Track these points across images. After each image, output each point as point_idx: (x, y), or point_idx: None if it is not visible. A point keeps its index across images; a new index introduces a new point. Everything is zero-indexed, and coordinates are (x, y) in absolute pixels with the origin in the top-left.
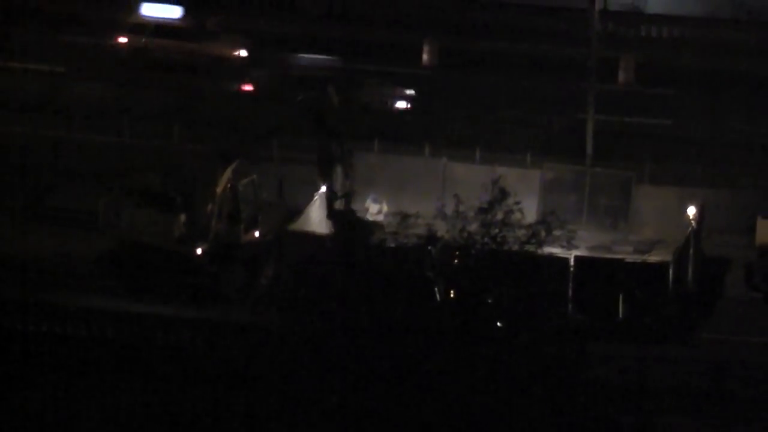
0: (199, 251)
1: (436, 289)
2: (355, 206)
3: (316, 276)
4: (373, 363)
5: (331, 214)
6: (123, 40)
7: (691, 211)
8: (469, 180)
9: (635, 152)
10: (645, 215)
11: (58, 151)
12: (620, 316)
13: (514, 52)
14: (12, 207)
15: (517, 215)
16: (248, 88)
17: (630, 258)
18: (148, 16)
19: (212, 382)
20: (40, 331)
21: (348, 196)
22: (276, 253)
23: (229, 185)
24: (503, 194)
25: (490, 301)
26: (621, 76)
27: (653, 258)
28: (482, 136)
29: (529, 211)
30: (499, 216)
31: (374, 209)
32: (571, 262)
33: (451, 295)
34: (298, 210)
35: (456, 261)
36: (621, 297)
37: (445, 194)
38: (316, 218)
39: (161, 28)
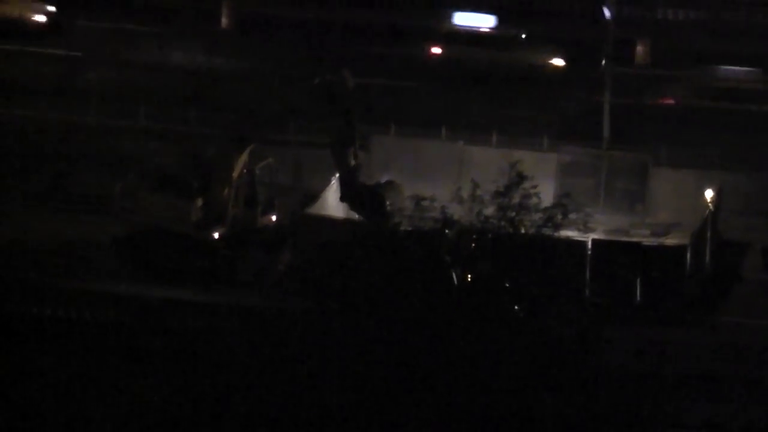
0: (215, 235)
1: (453, 273)
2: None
3: (332, 260)
4: (390, 347)
5: (345, 196)
6: (437, 50)
7: (709, 193)
8: (485, 163)
9: (652, 135)
10: (662, 198)
11: (72, 136)
12: (638, 299)
13: (530, 34)
14: (27, 192)
15: (534, 199)
16: (669, 102)
17: (647, 241)
18: (462, 26)
19: (228, 367)
20: (54, 315)
21: (359, 178)
22: (293, 238)
23: (245, 169)
24: (520, 178)
25: (507, 285)
26: (638, 58)
27: (670, 241)
28: (499, 119)
29: (546, 194)
30: (516, 200)
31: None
32: (589, 246)
33: (468, 279)
34: (315, 194)
35: (473, 245)
36: (638, 280)
37: (461, 178)
38: (333, 202)
39: (475, 37)
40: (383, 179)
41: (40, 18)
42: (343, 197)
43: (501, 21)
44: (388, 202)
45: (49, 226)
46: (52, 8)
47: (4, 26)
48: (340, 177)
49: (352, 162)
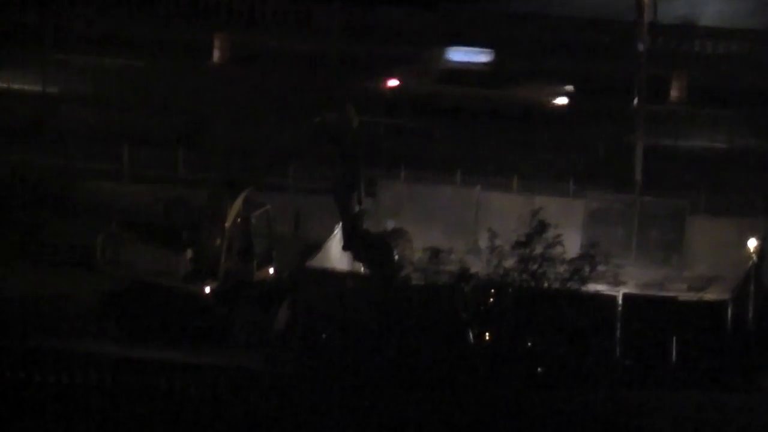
0: (207, 290)
1: (469, 331)
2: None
3: (337, 318)
4: (400, 416)
5: (348, 244)
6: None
7: (752, 243)
8: (505, 210)
9: (689, 179)
10: (700, 249)
11: (48, 180)
12: (674, 360)
13: (555, 69)
14: (1, 243)
15: (559, 249)
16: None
17: (684, 296)
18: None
19: None
20: (35, 379)
21: (364, 225)
22: (293, 293)
23: (239, 217)
24: (542, 226)
25: (529, 344)
26: (673, 95)
27: (710, 296)
28: (519, 161)
29: (572, 244)
30: (539, 250)
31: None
32: (619, 301)
33: (486, 339)
34: (316, 245)
35: (491, 300)
36: (675, 339)
37: (478, 226)
38: (336, 254)
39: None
40: (391, 227)
41: None
42: (346, 246)
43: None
44: (396, 252)
45: (23, 281)
46: None
47: None
48: (343, 224)
49: (356, 208)
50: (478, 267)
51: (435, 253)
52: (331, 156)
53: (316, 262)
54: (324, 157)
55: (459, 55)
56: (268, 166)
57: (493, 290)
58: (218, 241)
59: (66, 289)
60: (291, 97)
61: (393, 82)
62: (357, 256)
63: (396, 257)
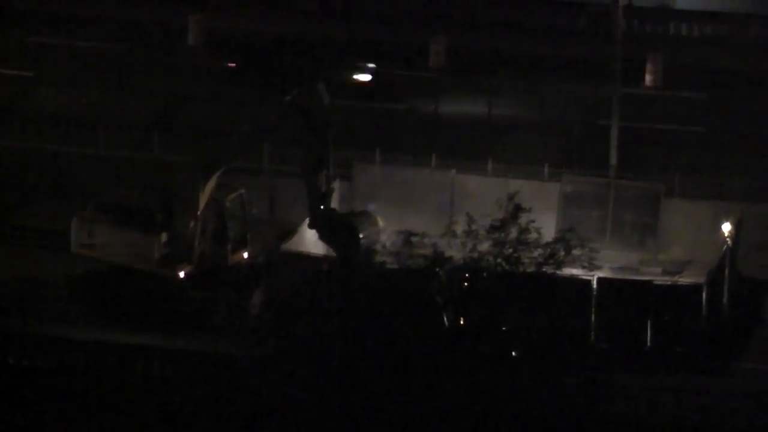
0: (181, 274)
1: (444, 315)
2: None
3: (311, 302)
4: (376, 398)
5: (313, 223)
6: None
7: (726, 227)
8: (480, 194)
9: (664, 162)
10: (675, 232)
11: (24, 163)
12: (649, 343)
13: (530, 53)
14: None
15: (534, 234)
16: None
17: (659, 280)
18: None
19: (196, 418)
20: (7, 363)
21: (330, 204)
22: (268, 276)
23: (213, 201)
24: (517, 210)
25: (504, 328)
26: (648, 79)
27: (685, 280)
28: (495, 144)
29: (547, 228)
30: (513, 234)
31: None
32: (594, 285)
33: (462, 322)
34: (292, 228)
35: (466, 284)
36: (649, 323)
37: (453, 210)
38: (311, 237)
39: None
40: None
41: None
42: (311, 224)
43: None
44: (362, 234)
45: None
46: None
47: None
48: (309, 202)
49: (324, 187)
50: (453, 251)
51: (409, 237)
52: (300, 133)
53: (291, 245)
54: (296, 136)
55: None
56: (241, 147)
57: (468, 274)
58: (192, 225)
59: (40, 272)
60: (264, 79)
61: None
62: (321, 235)
63: (361, 238)
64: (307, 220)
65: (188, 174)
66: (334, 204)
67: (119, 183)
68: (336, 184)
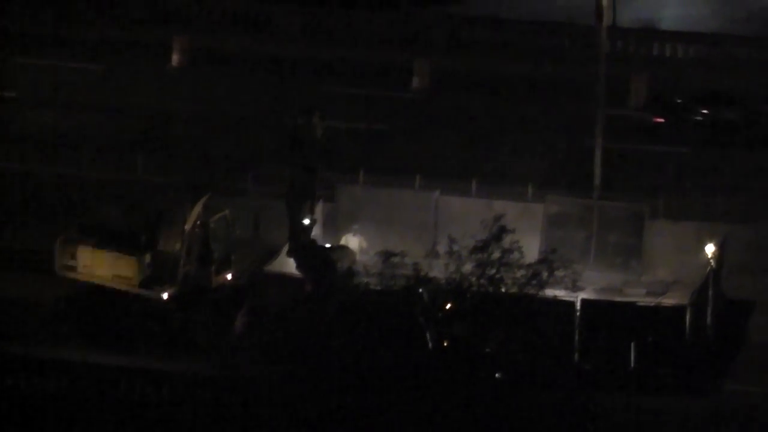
0: (165, 295)
1: (428, 336)
2: (333, 242)
3: (295, 322)
4: (357, 418)
5: (291, 251)
6: None
7: (710, 248)
8: (463, 215)
9: (648, 183)
10: (659, 253)
11: (6, 185)
12: (632, 365)
13: (514, 73)
14: None
15: (517, 254)
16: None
17: (643, 301)
18: None
19: None
20: None
21: (310, 235)
22: (251, 298)
23: (199, 222)
24: (500, 231)
25: (487, 349)
26: (632, 99)
27: (668, 301)
28: (478, 166)
29: (531, 249)
30: (496, 255)
31: (353, 245)
32: (578, 306)
33: (445, 344)
34: (275, 249)
35: (449, 305)
36: (633, 344)
37: (437, 231)
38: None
39: None
40: (348, 234)
41: None
42: (290, 253)
43: None
44: (338, 266)
45: None
46: None
47: None
48: (290, 231)
49: (307, 218)
50: (436, 272)
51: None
52: (290, 162)
53: (275, 266)
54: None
55: None
56: (231, 172)
57: (451, 295)
58: (177, 246)
59: (22, 294)
60: (252, 101)
61: None
62: (298, 265)
63: (336, 271)
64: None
65: (175, 196)
66: (319, 223)
67: (103, 204)
68: (319, 205)
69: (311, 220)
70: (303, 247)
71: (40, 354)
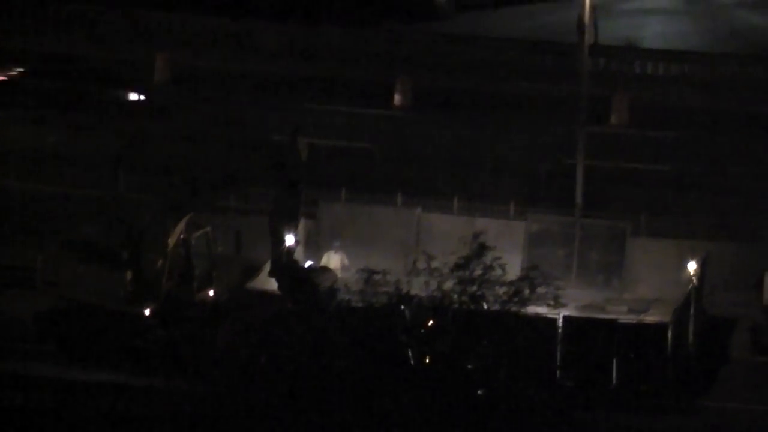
0: (147, 312)
1: (409, 353)
2: (314, 260)
3: (276, 340)
4: None
5: (272, 272)
6: None
7: (692, 266)
8: (445, 232)
9: (630, 201)
10: (641, 271)
11: None
12: (614, 382)
13: (495, 91)
14: None
15: (498, 271)
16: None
17: (624, 318)
18: None
19: None
20: None
21: (292, 257)
22: (233, 314)
23: (182, 237)
24: (481, 248)
25: (469, 366)
26: (614, 117)
27: (650, 318)
28: (460, 184)
29: (513, 266)
30: (478, 272)
31: (335, 263)
32: (559, 323)
33: (426, 360)
34: (257, 266)
35: (431, 322)
36: (615, 361)
37: (419, 248)
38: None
39: None
40: (330, 251)
41: None
42: (272, 274)
43: None
44: (319, 287)
45: None
46: None
47: None
48: (272, 252)
49: (290, 239)
50: (418, 289)
51: (374, 275)
52: (273, 183)
53: (257, 283)
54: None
55: None
56: (215, 189)
57: (432, 312)
58: (159, 263)
59: (4, 311)
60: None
61: None
62: (280, 286)
63: (317, 293)
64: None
65: (158, 214)
66: (300, 241)
67: (85, 220)
68: (301, 223)
69: (294, 241)
70: (285, 268)
71: (20, 370)
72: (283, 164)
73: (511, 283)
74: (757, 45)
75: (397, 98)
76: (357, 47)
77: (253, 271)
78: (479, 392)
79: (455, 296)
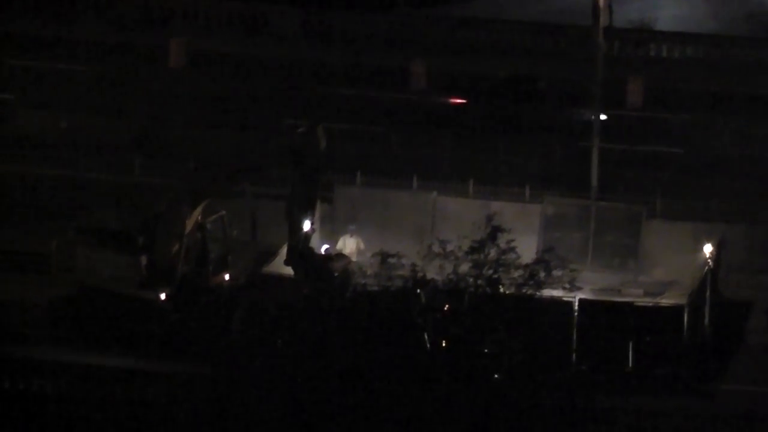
0: (162, 296)
1: (425, 336)
2: (330, 243)
3: (292, 324)
4: (355, 421)
5: (289, 260)
6: None
7: (708, 248)
8: (461, 215)
9: (645, 184)
10: (656, 254)
11: (3, 187)
12: (630, 365)
13: (512, 74)
14: None
15: (513, 255)
16: None
17: (640, 301)
18: None
19: None
20: None
21: (308, 245)
22: (248, 298)
23: (196, 223)
24: (497, 231)
25: (485, 350)
26: (629, 100)
27: (666, 301)
28: (476, 167)
29: (528, 249)
30: (493, 255)
31: (350, 247)
32: (575, 306)
33: (443, 344)
34: (272, 250)
35: (446, 306)
36: (631, 344)
37: (434, 231)
38: None
39: None
40: (345, 235)
41: None
42: (287, 262)
43: None
44: (335, 274)
45: None
46: None
47: None
48: (289, 240)
49: (307, 227)
50: (434, 272)
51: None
52: (291, 172)
53: (272, 267)
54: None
55: None
56: (233, 175)
57: (448, 296)
58: (175, 248)
59: (20, 295)
60: (248, 103)
61: None
62: (296, 274)
63: (333, 279)
64: (286, 245)
65: (175, 200)
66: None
67: (100, 205)
68: (317, 206)
69: (311, 229)
70: (301, 256)
71: (38, 355)
72: (301, 152)
73: (527, 266)
74: None
75: (413, 81)
76: (373, 31)
77: (269, 255)
78: (495, 375)
79: (471, 280)
